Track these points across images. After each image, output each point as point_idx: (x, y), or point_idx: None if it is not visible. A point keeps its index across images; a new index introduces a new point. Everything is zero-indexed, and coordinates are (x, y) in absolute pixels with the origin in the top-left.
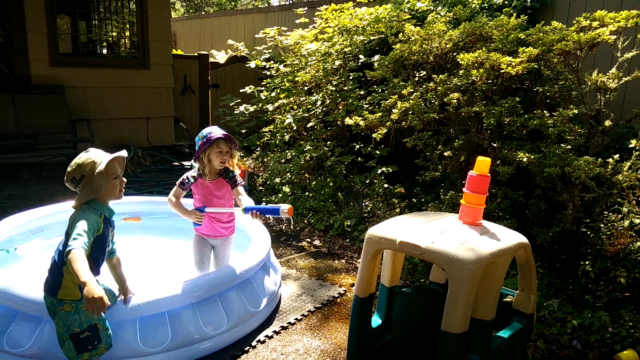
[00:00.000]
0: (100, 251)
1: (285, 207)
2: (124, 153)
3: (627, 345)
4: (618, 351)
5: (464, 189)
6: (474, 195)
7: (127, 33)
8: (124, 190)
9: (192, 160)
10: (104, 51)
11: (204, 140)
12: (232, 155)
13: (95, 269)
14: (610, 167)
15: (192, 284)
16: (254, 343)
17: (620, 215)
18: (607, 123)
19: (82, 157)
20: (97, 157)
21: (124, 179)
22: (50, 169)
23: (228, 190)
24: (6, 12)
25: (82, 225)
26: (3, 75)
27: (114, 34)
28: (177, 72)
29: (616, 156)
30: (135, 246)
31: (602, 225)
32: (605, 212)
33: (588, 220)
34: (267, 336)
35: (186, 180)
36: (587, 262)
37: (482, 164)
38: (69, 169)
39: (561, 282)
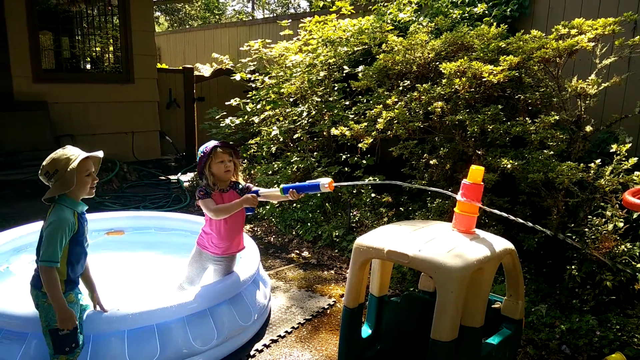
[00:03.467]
0: (79, 247)
1: (325, 181)
2: (99, 154)
3: (615, 348)
4: (606, 354)
5: (458, 196)
6: (467, 203)
7: (111, 48)
8: (95, 188)
9: (198, 178)
10: (88, 66)
11: (202, 153)
12: (236, 165)
13: (77, 265)
14: (592, 171)
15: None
16: (244, 357)
17: (604, 220)
18: (588, 128)
19: (57, 153)
20: (72, 153)
21: (96, 178)
22: (34, 186)
23: None
24: None
25: (53, 236)
26: None
27: (97, 49)
28: (162, 86)
29: (598, 161)
30: (121, 261)
31: (586, 229)
32: (589, 217)
33: (572, 225)
34: (257, 350)
35: (207, 190)
36: (573, 267)
37: (476, 172)
38: (44, 162)
39: (548, 287)
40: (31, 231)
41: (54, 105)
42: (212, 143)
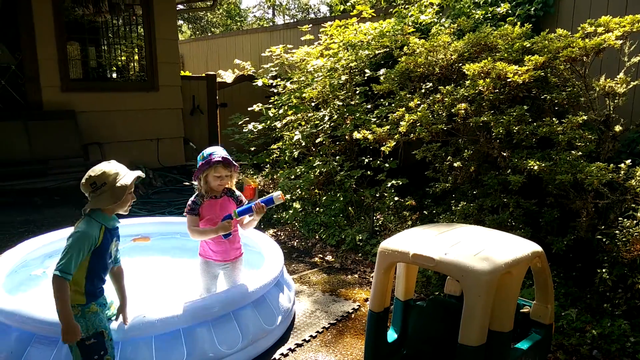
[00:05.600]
0: (100, 262)
1: (277, 194)
2: (141, 174)
3: None
4: None
5: None
6: None
7: (136, 57)
8: (130, 206)
9: (192, 179)
10: (114, 75)
11: (204, 162)
12: (232, 177)
13: (98, 279)
14: (622, 172)
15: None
16: None
17: (635, 221)
18: (617, 128)
19: (106, 166)
20: (120, 169)
21: (135, 197)
22: (63, 193)
23: (234, 208)
24: (18, 40)
25: (72, 247)
26: (15, 102)
27: (122, 58)
28: (185, 93)
29: (628, 161)
30: (146, 267)
31: (617, 231)
32: (620, 218)
33: (603, 227)
34: (282, 354)
35: (194, 206)
36: (604, 270)
37: None
38: (91, 173)
39: (578, 291)
40: (64, 236)
41: (81, 113)
42: (215, 154)
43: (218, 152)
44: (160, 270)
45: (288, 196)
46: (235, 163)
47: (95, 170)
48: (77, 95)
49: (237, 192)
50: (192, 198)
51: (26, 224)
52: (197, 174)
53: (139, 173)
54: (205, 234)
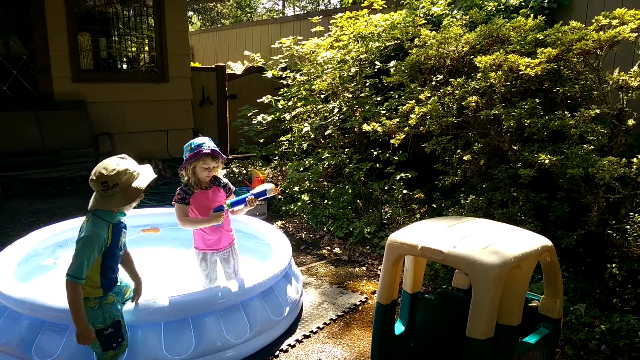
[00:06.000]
0: (112, 258)
1: (270, 187)
2: (154, 173)
3: None
4: None
5: None
6: None
7: (146, 48)
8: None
9: (179, 170)
10: (124, 66)
11: (192, 153)
12: (218, 167)
13: (111, 271)
14: (635, 167)
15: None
16: (276, 352)
17: None
18: (630, 122)
19: (120, 164)
20: (133, 169)
21: (143, 195)
22: (74, 183)
23: (223, 198)
24: (29, 31)
25: (82, 252)
26: (27, 92)
27: (133, 49)
28: (195, 84)
29: None
30: (155, 257)
31: (628, 227)
32: (631, 214)
33: (614, 222)
34: (289, 345)
35: (184, 195)
36: (613, 265)
37: None
38: (103, 171)
39: (588, 286)
40: (74, 226)
41: (92, 104)
42: (203, 146)
43: (207, 143)
44: (170, 261)
45: (296, 188)
46: (222, 155)
47: (108, 168)
48: (87, 86)
49: (224, 180)
50: (180, 187)
51: (37, 213)
52: (185, 164)
53: (153, 175)
54: (197, 224)
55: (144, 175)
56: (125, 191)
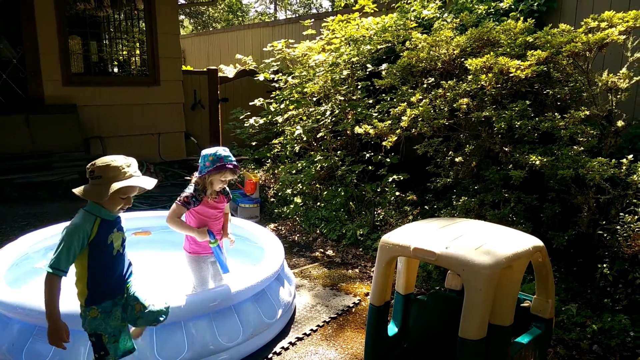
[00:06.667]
0: (101, 257)
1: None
2: (149, 185)
3: None
4: None
5: None
6: None
7: (137, 51)
8: (124, 210)
9: (196, 175)
10: (115, 69)
11: (216, 165)
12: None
13: (103, 278)
14: (624, 167)
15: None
16: (270, 355)
17: (636, 217)
18: (620, 123)
19: (114, 161)
20: (125, 169)
21: (131, 203)
22: (65, 187)
23: (224, 203)
24: (19, 34)
25: (63, 242)
26: (17, 96)
27: (124, 52)
28: (187, 87)
29: (630, 156)
30: (147, 260)
31: (618, 227)
32: (621, 214)
33: (604, 222)
34: (283, 348)
35: (191, 201)
36: (604, 265)
37: None
38: (97, 161)
39: (579, 286)
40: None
41: (83, 108)
42: (227, 159)
43: (230, 156)
44: (162, 263)
45: (289, 191)
46: (240, 169)
47: (103, 160)
48: (78, 90)
49: (226, 188)
50: (190, 191)
51: (28, 217)
52: (204, 174)
53: (146, 185)
54: (184, 229)
55: (133, 181)
56: (103, 186)
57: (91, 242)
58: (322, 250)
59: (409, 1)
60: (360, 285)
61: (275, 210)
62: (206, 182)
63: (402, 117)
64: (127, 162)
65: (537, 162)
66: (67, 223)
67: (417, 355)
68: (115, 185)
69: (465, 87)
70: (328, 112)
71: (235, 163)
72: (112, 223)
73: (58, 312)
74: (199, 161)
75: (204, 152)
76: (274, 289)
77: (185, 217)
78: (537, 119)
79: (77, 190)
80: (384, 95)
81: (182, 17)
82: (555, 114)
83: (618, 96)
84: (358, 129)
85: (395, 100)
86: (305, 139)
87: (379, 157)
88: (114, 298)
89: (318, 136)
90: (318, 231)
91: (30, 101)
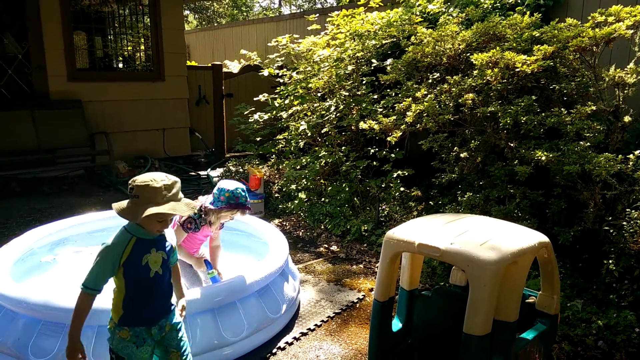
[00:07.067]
0: (136, 278)
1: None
2: (186, 212)
3: None
4: None
5: None
6: None
7: (142, 47)
8: (161, 232)
9: (209, 204)
10: (120, 65)
11: (234, 203)
12: None
13: (139, 302)
14: (631, 163)
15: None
16: (274, 350)
17: None
18: (627, 119)
19: (154, 182)
20: (164, 192)
21: (168, 225)
22: (70, 182)
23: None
24: (24, 30)
25: (97, 260)
26: (22, 92)
27: (129, 48)
28: (191, 83)
29: (637, 152)
30: None
31: (624, 223)
32: (627, 210)
33: (610, 218)
34: (287, 342)
35: (193, 227)
36: (610, 261)
37: None
38: (138, 179)
39: (584, 282)
40: (72, 224)
41: (88, 103)
42: (246, 200)
43: (246, 196)
44: None
45: (293, 186)
46: (250, 209)
47: (144, 179)
48: (83, 85)
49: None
50: (194, 216)
51: (33, 212)
52: (219, 208)
53: (182, 212)
54: (183, 255)
55: (168, 207)
56: (139, 207)
57: (124, 262)
58: (326, 245)
59: None
60: (365, 280)
61: (280, 206)
62: (214, 215)
63: (407, 113)
64: (167, 184)
65: (543, 158)
66: (76, 218)
67: (421, 351)
68: (150, 211)
69: (470, 82)
70: (333, 108)
71: (249, 205)
72: (150, 242)
73: (79, 331)
74: (214, 190)
75: (223, 184)
76: (278, 285)
77: (189, 246)
78: (543, 114)
79: (115, 206)
80: (388, 90)
81: (186, 12)
82: (562, 109)
83: (625, 91)
84: (363, 125)
85: (400, 95)
86: (309, 134)
87: (384, 152)
88: (150, 327)
89: (322, 132)
90: (322, 227)
91: (36, 97)
